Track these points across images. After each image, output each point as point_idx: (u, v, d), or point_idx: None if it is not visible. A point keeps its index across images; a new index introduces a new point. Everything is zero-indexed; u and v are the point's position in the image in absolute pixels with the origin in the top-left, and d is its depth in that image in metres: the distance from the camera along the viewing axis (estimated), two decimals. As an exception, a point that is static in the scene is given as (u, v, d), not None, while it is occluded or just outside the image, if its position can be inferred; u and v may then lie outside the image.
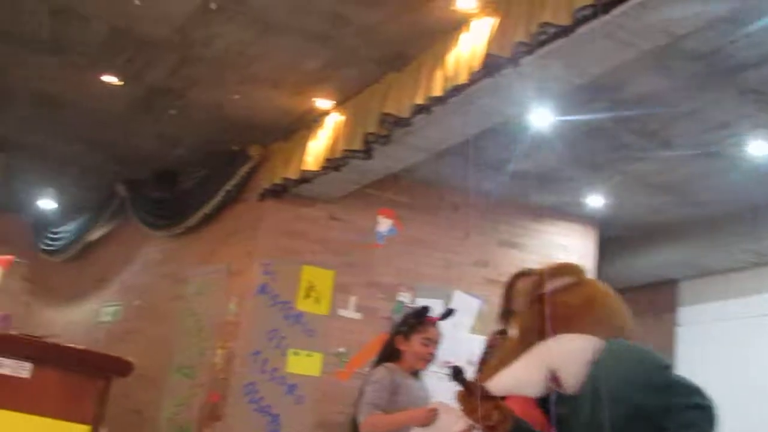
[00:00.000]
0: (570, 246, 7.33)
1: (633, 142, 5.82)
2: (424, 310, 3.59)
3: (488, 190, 6.90)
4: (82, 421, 1.58)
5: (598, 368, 2.54)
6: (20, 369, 1.93)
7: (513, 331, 2.97)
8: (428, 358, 3.54)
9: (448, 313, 3.69)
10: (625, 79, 4.94)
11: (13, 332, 2.44)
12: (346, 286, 6.53)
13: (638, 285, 7.44)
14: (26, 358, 1.94)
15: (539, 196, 7.07)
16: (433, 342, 3.53)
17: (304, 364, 6.32)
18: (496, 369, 2.76)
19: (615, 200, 6.90)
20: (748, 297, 7.13)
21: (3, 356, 1.93)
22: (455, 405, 3.03)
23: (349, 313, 6.51)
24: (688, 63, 4.69)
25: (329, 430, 6.21)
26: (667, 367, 2.49)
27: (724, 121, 5.36)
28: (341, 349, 6.41)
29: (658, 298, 7.78)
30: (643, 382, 2.45)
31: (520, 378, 2.69)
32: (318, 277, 6.47)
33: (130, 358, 1.74)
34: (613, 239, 7.41)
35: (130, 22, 5.09)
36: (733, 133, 5.52)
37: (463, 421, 3.16)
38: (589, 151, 6.05)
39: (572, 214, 7.28)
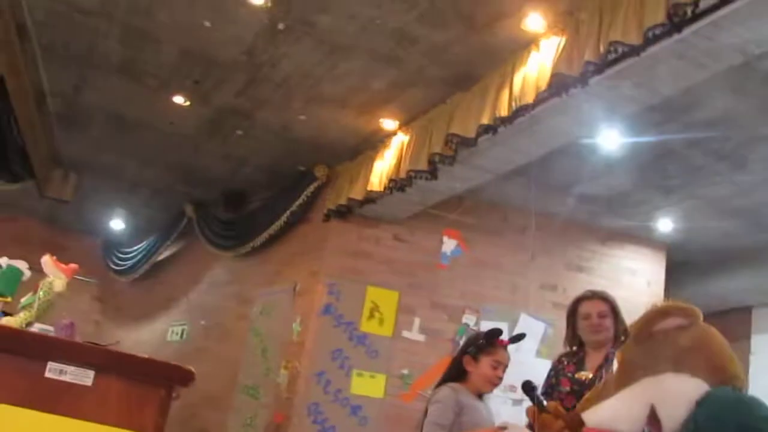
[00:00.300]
0: (639, 270, 7.17)
1: (706, 165, 5.67)
2: (496, 332, 3.54)
3: (556, 212, 6.81)
4: (143, 430, 1.58)
5: (700, 411, 2.46)
6: (83, 377, 1.94)
7: (615, 365, 2.91)
8: (496, 382, 3.48)
9: (518, 337, 3.64)
10: (698, 101, 4.82)
11: (77, 340, 2.48)
12: (410, 308, 6.51)
13: (710, 311, 7.19)
14: (89, 366, 1.95)
15: (608, 219, 6.94)
16: (502, 365, 3.48)
17: (368, 385, 6.30)
18: (592, 401, 2.70)
19: (686, 224, 6.73)
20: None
21: (66, 363, 1.95)
22: (522, 425, 2.98)
23: (413, 334, 6.47)
24: (763, 84, 4.56)
25: (392, 452, 6.17)
26: None
27: (801, 144, 5.20)
28: (405, 371, 6.37)
29: (730, 326, 7.51)
30: (748, 426, 2.37)
31: (619, 412, 2.62)
32: (382, 298, 6.46)
33: (191, 368, 1.74)
34: (683, 264, 7.21)
35: (199, 43, 5.20)
36: (809, 156, 5.34)
37: None
38: (660, 174, 5.92)
39: (641, 238, 7.12)
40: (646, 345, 2.65)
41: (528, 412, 2.92)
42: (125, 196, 8.92)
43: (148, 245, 9.44)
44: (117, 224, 9.83)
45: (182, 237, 8.84)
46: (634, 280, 7.04)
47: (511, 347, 3.69)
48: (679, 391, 2.53)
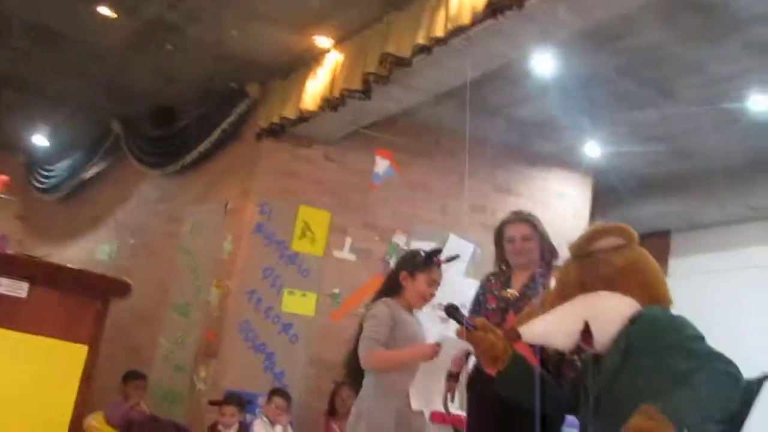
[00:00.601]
0: (566, 194, 7.35)
1: (633, 91, 5.79)
2: (437, 251, 3.62)
3: (487, 135, 6.88)
4: (80, 341, 1.58)
5: (632, 329, 2.57)
6: (17, 289, 1.92)
7: (552, 283, 3.00)
8: (428, 298, 3.58)
9: (453, 257, 3.72)
10: (629, 29, 4.89)
11: (10, 252, 2.43)
12: (341, 228, 6.55)
13: (631, 235, 7.47)
14: (23, 278, 1.93)
15: (538, 144, 7.06)
16: (435, 283, 3.57)
17: (299, 303, 6.37)
18: (531, 316, 2.79)
19: (612, 150, 6.88)
20: (740, 250, 7.19)
21: (0, 276, 1.92)
22: (455, 338, 3.08)
23: (344, 254, 6.54)
24: (693, 15, 4.66)
25: (323, 368, 6.28)
26: (702, 338, 2.52)
27: (727, 74, 5.34)
28: (335, 290, 6.45)
29: (650, 249, 7.79)
30: (676, 344, 2.48)
31: (554, 327, 2.73)
32: (314, 218, 6.48)
33: (127, 279, 1.74)
34: (608, 189, 7.41)
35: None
36: (734, 87, 5.50)
37: (457, 350, 3.23)
38: (589, 100, 6.01)
39: (570, 163, 7.27)
40: (584, 263, 2.75)
41: (457, 333, 3.02)
42: (48, 112, 8.60)
43: (73, 163, 9.19)
44: (40, 141, 9.51)
45: (109, 154, 8.62)
46: (561, 204, 7.22)
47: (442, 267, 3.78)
48: (612, 309, 2.64)
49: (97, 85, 7.53)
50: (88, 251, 8.93)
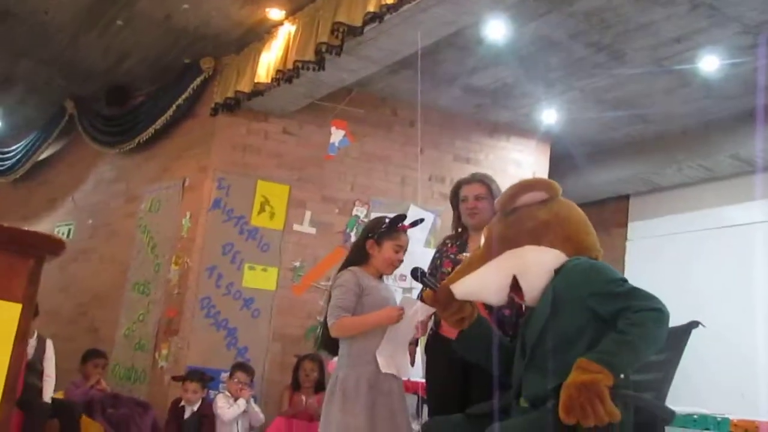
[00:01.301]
0: (524, 162, 7.39)
1: (586, 56, 5.81)
2: (400, 217, 3.63)
3: (443, 104, 6.90)
4: (13, 299, 1.55)
5: (558, 279, 2.61)
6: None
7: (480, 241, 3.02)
8: (397, 264, 3.59)
9: (417, 222, 3.73)
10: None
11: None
12: (301, 201, 6.53)
13: (590, 201, 7.54)
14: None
15: (494, 112, 7.07)
16: (402, 249, 3.58)
17: (260, 278, 6.35)
18: (462, 273, 2.83)
19: (569, 116, 6.92)
20: (697, 211, 7.29)
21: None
22: (419, 302, 3.12)
23: (304, 227, 6.52)
24: (642, -26, 4.67)
25: (286, 342, 6.29)
26: (624, 280, 2.57)
27: (677, 35, 5.37)
28: (296, 264, 6.44)
29: (609, 214, 7.92)
30: (600, 290, 2.53)
31: (485, 283, 2.77)
32: (273, 192, 6.45)
33: (60, 237, 1.71)
34: (566, 155, 7.47)
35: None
36: (685, 48, 5.53)
37: (423, 314, 3.25)
38: (543, 66, 6.04)
39: (526, 130, 7.30)
40: (510, 219, 2.79)
41: (424, 296, 3.04)
42: (0, 94, 8.45)
43: (27, 144, 9.03)
44: (-7, 123, 9.34)
45: (64, 134, 8.50)
46: (520, 171, 7.25)
47: None
48: (538, 261, 2.68)
49: (49, 64, 7.39)
50: (46, 232, 8.80)
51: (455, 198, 3.92)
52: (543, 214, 2.78)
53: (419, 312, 3.30)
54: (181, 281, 6.30)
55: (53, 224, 8.76)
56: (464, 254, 3.75)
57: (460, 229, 3.91)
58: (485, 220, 3.70)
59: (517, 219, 2.80)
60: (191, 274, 6.23)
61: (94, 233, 7.97)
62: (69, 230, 8.45)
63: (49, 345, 5.52)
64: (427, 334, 3.76)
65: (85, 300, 7.65)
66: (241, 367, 5.72)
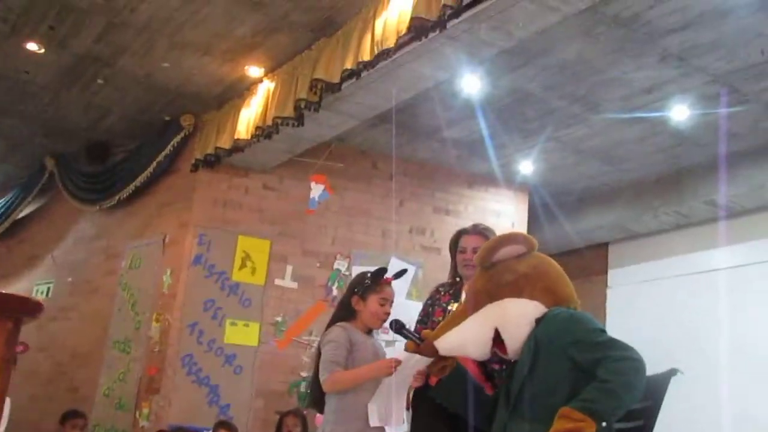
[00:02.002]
0: (503, 212, 7.46)
1: (561, 107, 5.93)
2: (382, 271, 3.64)
3: (422, 157, 6.98)
4: (-11, 361, 1.57)
5: (539, 329, 2.66)
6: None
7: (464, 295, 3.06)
8: (383, 317, 3.59)
9: (401, 273, 3.74)
10: (552, 45, 5.02)
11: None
12: (282, 256, 6.54)
13: (570, 249, 7.63)
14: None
15: (472, 163, 7.16)
16: (388, 301, 3.59)
17: (242, 334, 6.32)
18: (445, 328, 2.86)
19: (545, 166, 7.03)
20: (674, 257, 7.37)
21: None
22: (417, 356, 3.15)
23: (286, 282, 6.53)
24: (611, 29, 4.80)
25: (269, 398, 6.24)
26: (603, 330, 2.62)
27: (648, 86, 5.51)
28: (278, 318, 6.43)
29: (589, 261, 7.99)
30: (580, 339, 2.58)
31: (468, 338, 2.81)
32: (254, 247, 6.46)
33: (38, 299, 1.73)
34: (544, 204, 7.55)
35: (52, -13, 4.98)
36: (656, 98, 5.67)
37: (422, 365, 3.26)
38: (519, 118, 6.15)
39: (504, 181, 7.39)
40: (489, 273, 2.85)
41: (406, 347, 3.06)
42: (-20, 152, 8.48)
43: (6, 202, 9.01)
44: (-27, 181, 9.33)
45: (44, 192, 8.51)
46: (499, 222, 7.31)
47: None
48: (519, 313, 2.72)
49: (30, 122, 7.43)
50: (25, 291, 8.73)
51: (455, 247, 3.92)
52: (522, 267, 2.83)
53: (418, 363, 3.30)
54: (162, 338, 6.26)
55: (33, 282, 8.70)
56: (456, 303, 3.75)
57: (457, 279, 3.92)
58: None
59: (497, 273, 2.85)
60: (172, 330, 6.19)
61: (74, 291, 7.92)
62: (48, 288, 8.39)
63: (7, 403, 5.42)
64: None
65: (65, 359, 7.57)
66: (224, 425, 5.66)
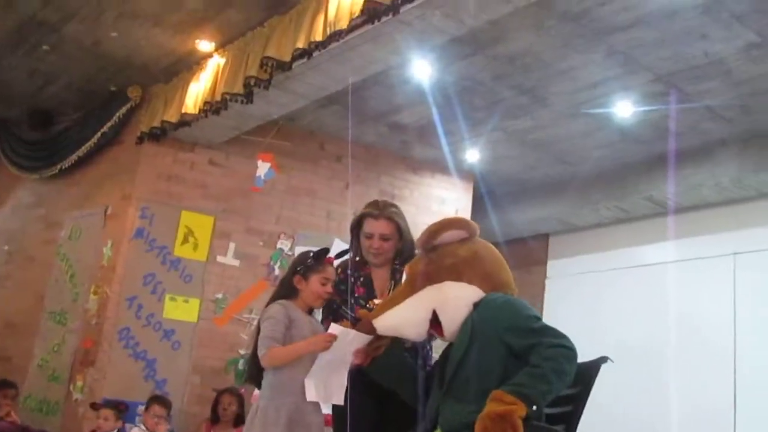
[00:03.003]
0: (448, 199, 7.53)
1: (509, 97, 6.00)
2: (324, 251, 3.64)
3: (370, 141, 7.01)
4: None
5: (476, 313, 2.72)
6: None
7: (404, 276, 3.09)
8: (325, 296, 3.58)
9: (343, 252, 3.73)
10: (503, 35, 5.08)
11: None
12: (225, 233, 6.51)
13: (512, 238, 7.73)
14: None
15: (419, 149, 7.21)
16: (329, 281, 3.59)
17: (181, 309, 6.28)
18: (384, 308, 2.90)
19: (491, 155, 7.11)
20: (613, 251, 7.55)
21: None
22: (355, 332, 3.17)
23: (228, 259, 6.50)
24: (561, 23, 4.88)
25: (205, 375, 6.22)
26: (538, 318, 2.69)
27: (594, 81, 5.61)
28: (219, 296, 6.40)
29: (529, 251, 8.12)
30: (515, 325, 2.65)
31: (407, 318, 2.86)
32: (197, 223, 6.42)
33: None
34: (488, 193, 7.64)
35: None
36: (601, 94, 5.78)
37: (358, 343, 3.28)
38: (467, 106, 6.20)
39: (450, 168, 7.43)
40: (430, 256, 2.90)
41: (342, 324, 3.09)
42: None
43: (-57, 167, 8.79)
44: None
45: (-17, 158, 8.31)
46: (443, 208, 7.38)
47: None
48: (457, 296, 2.78)
49: (-31, 86, 7.25)
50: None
51: (357, 227, 3.68)
52: (463, 251, 2.89)
53: (356, 340, 3.32)
54: (100, 311, 6.19)
55: (-33, 250, 8.50)
56: (375, 301, 3.57)
57: (357, 258, 3.70)
58: (387, 259, 3.61)
59: (438, 256, 2.90)
60: (110, 304, 6.12)
61: (10, 260, 7.77)
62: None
63: None
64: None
65: (-1, 329, 7.44)
66: (158, 399, 5.63)
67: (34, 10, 5.59)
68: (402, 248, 3.61)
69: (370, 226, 3.59)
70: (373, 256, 3.62)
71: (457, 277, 2.84)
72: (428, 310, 2.83)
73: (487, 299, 2.79)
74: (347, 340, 3.28)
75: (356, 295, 3.73)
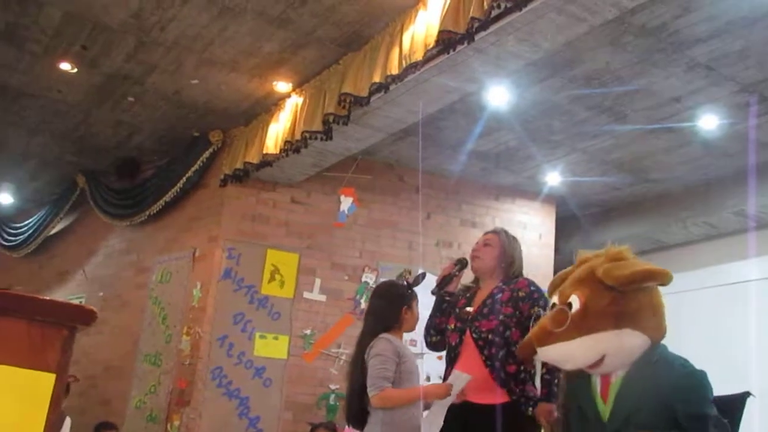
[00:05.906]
0: (530, 224, 7.45)
1: (588, 118, 5.93)
2: (422, 276, 3.74)
3: (449, 170, 7.00)
4: (47, 369, 1.60)
5: (678, 383, 2.65)
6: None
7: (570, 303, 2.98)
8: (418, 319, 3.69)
9: (421, 277, 3.79)
10: (579, 56, 5.03)
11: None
12: (310, 269, 6.59)
13: (597, 261, 7.56)
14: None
15: (499, 176, 7.17)
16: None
17: (271, 347, 6.36)
18: (551, 338, 2.81)
19: (572, 177, 7.02)
20: (705, 269, 7.30)
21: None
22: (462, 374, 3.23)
23: (314, 295, 6.56)
24: (638, 39, 4.81)
25: (297, 410, 6.27)
26: (712, 403, 2.65)
27: (675, 96, 5.50)
28: (307, 331, 6.46)
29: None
30: (691, 401, 2.60)
31: (574, 356, 2.77)
32: (282, 261, 6.51)
33: (92, 307, 1.77)
34: (571, 216, 7.53)
35: (84, 6, 5.07)
36: (684, 108, 5.65)
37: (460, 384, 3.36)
38: (546, 129, 6.15)
39: (532, 192, 7.39)
40: (614, 294, 2.74)
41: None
42: (12, 169, 8.59)
43: (39, 219, 9.15)
44: (5, 198, 9.48)
45: (75, 208, 8.63)
46: (527, 234, 7.31)
47: None
48: (631, 345, 2.72)
49: (61, 140, 7.55)
50: (78, 304, 8.82)
51: None
52: (644, 298, 2.77)
53: (461, 383, 3.40)
54: (193, 351, 6.32)
55: (64, 297, 8.79)
56: (467, 308, 3.70)
57: (474, 282, 3.88)
58: (487, 266, 3.76)
59: (626, 300, 2.76)
60: (202, 344, 6.25)
61: (105, 305, 8.00)
62: (80, 302, 8.47)
63: (67, 423, 5.49)
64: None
65: (97, 372, 7.64)
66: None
67: (119, 65, 5.82)
68: (505, 267, 3.75)
69: (481, 236, 3.95)
70: (472, 257, 3.82)
71: (636, 324, 2.73)
72: (600, 354, 2.74)
73: (664, 356, 2.74)
74: (459, 385, 3.34)
75: (449, 326, 3.76)
